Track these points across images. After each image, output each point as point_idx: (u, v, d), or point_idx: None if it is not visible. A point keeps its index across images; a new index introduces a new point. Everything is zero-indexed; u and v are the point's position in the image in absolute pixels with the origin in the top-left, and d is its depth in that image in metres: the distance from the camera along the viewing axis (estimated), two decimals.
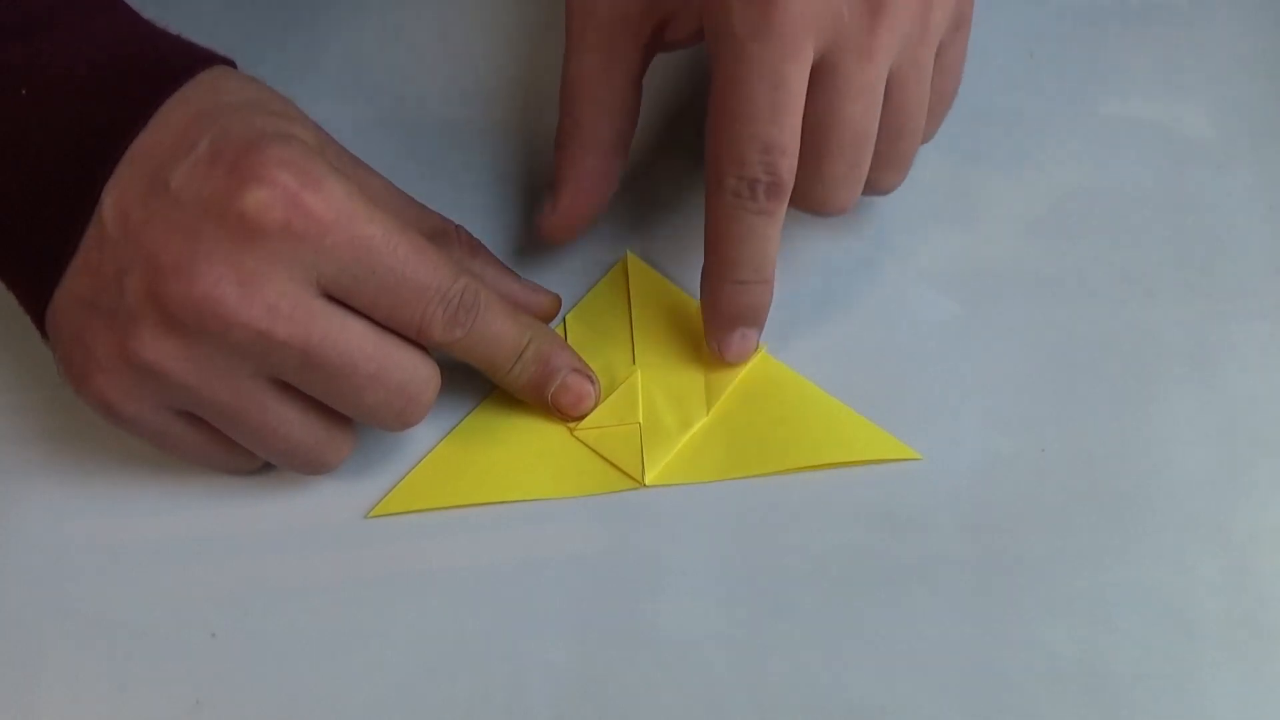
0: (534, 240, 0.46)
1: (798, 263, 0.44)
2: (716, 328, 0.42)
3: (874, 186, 0.41)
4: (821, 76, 0.38)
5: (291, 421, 0.38)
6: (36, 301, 0.38)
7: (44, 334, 0.39)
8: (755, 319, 0.42)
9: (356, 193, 0.37)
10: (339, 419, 0.39)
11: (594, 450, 0.42)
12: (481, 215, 0.46)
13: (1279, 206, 0.46)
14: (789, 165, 0.38)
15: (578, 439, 0.42)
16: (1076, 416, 0.42)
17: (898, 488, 0.42)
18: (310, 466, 0.40)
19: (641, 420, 0.43)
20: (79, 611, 0.40)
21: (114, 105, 0.37)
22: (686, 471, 0.42)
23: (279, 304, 0.36)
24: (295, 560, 0.41)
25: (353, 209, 0.36)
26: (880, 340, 0.44)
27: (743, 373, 0.43)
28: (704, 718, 0.38)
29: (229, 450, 0.40)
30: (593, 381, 0.42)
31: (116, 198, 0.36)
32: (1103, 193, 0.47)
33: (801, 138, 0.39)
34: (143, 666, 0.39)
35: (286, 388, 0.38)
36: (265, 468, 0.41)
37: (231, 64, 0.40)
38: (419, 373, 0.38)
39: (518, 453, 0.42)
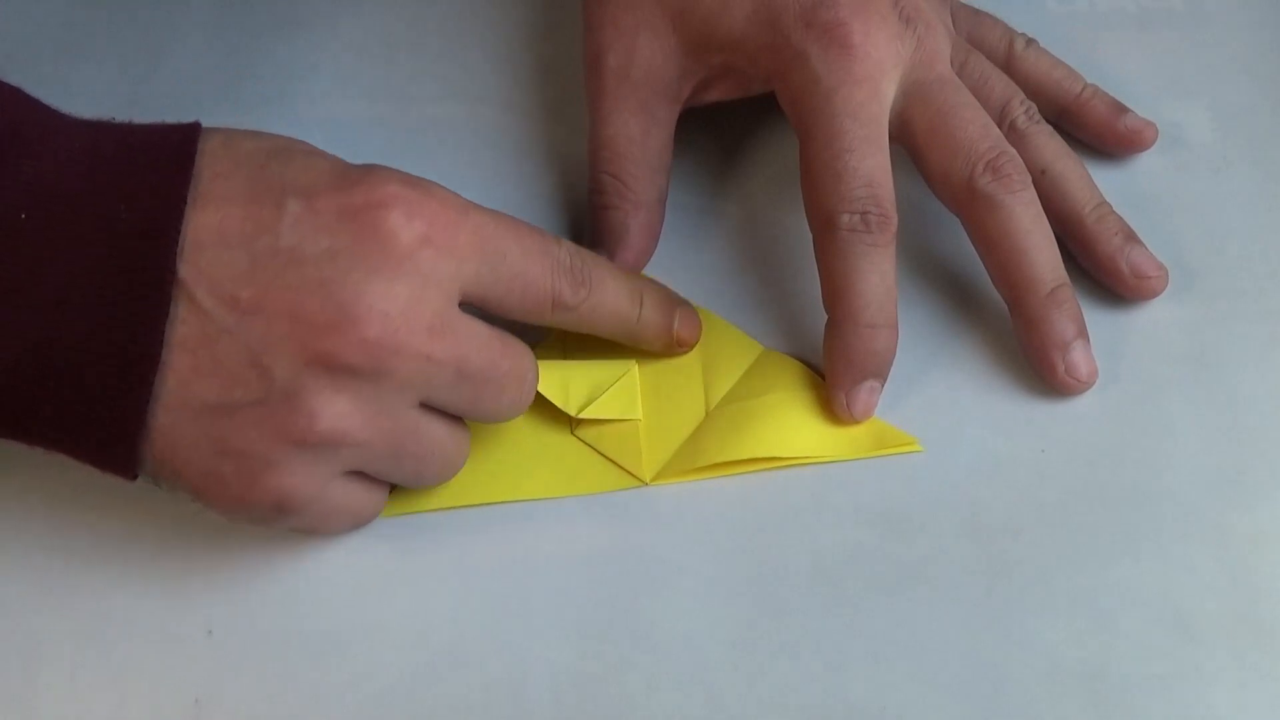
0: None
1: (800, 262, 0.44)
2: (845, 379, 0.41)
3: None
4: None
5: (443, 436, 0.38)
6: (121, 444, 0.34)
7: (132, 476, 0.35)
8: (881, 369, 0.42)
9: (444, 187, 0.37)
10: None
11: (594, 449, 0.42)
12: None
13: (1278, 208, 0.47)
14: (889, 196, 0.41)
15: (578, 438, 0.42)
16: (1076, 416, 0.43)
17: (898, 487, 0.42)
18: (451, 473, 0.39)
19: (641, 417, 0.43)
20: (78, 610, 0.40)
21: (135, 203, 0.34)
22: (687, 466, 0.42)
23: (435, 323, 0.35)
24: (294, 559, 0.41)
25: (460, 202, 0.36)
26: None
27: (744, 368, 0.43)
28: (704, 718, 0.38)
29: (371, 493, 0.39)
30: (692, 307, 0.43)
31: (209, 286, 0.34)
32: (1103, 193, 0.47)
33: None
34: (142, 665, 0.39)
35: (428, 408, 0.37)
36: None
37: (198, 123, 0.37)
38: (530, 358, 0.38)
39: (519, 453, 0.42)
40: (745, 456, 0.42)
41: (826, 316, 0.42)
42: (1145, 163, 0.48)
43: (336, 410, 0.34)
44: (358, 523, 0.39)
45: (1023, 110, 0.45)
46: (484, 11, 0.52)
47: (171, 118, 0.48)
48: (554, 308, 0.38)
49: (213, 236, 0.34)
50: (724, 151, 0.48)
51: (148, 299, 0.33)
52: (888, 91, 0.42)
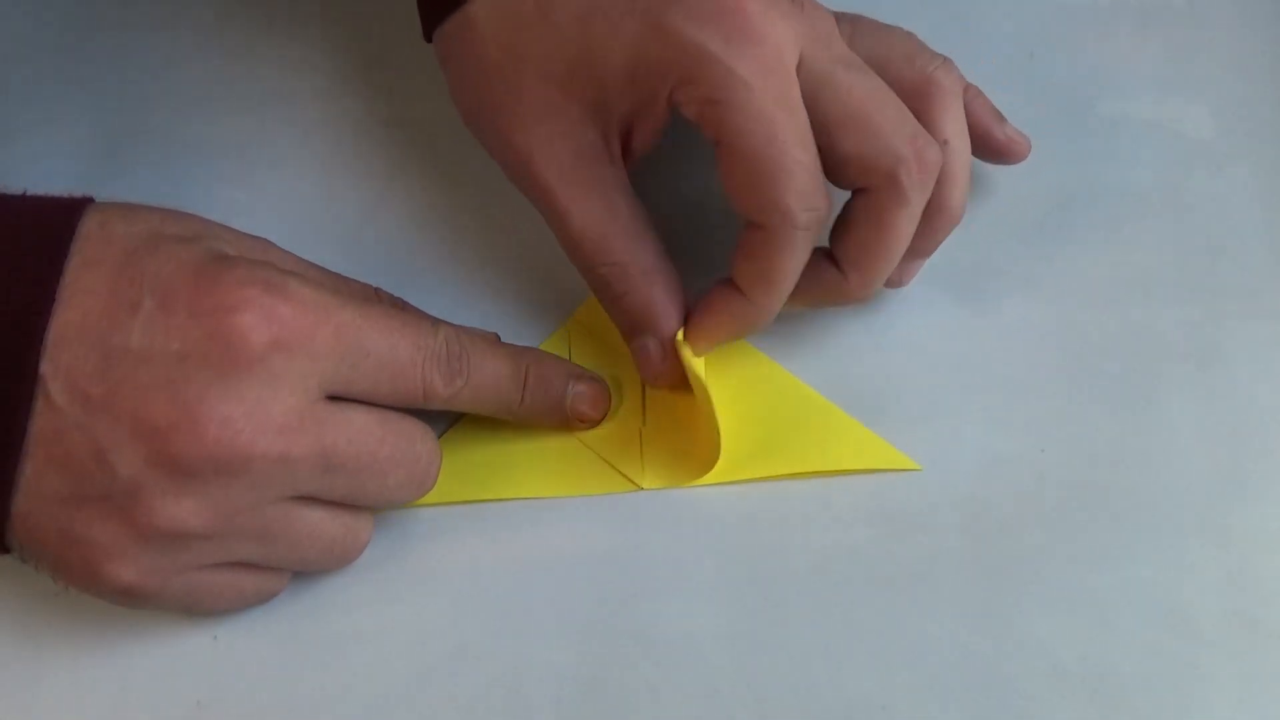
0: (533, 242, 0.46)
1: None
2: (717, 339, 0.41)
3: None
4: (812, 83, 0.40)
5: (320, 521, 0.38)
6: None
7: (4, 550, 0.36)
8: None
9: (312, 284, 0.36)
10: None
11: (595, 452, 0.42)
12: (481, 214, 0.46)
13: (1278, 207, 0.46)
14: (825, 186, 0.39)
15: (579, 439, 0.42)
16: (1076, 416, 0.43)
17: (898, 489, 0.42)
18: (345, 558, 0.40)
19: (643, 424, 0.43)
20: (80, 613, 0.40)
21: (8, 293, 0.34)
22: (684, 476, 0.42)
23: (289, 422, 0.35)
24: None
25: (321, 300, 0.36)
26: (880, 340, 0.44)
27: (745, 377, 0.43)
28: (704, 718, 0.38)
29: (258, 579, 0.39)
30: (597, 379, 0.42)
31: (64, 382, 0.34)
32: (1102, 193, 0.47)
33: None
34: (143, 668, 0.39)
35: (305, 498, 0.37)
36: None
37: (90, 199, 0.37)
38: (425, 438, 0.38)
39: (517, 451, 0.42)
40: (743, 480, 0.42)
41: (737, 283, 0.40)
42: (1145, 162, 0.47)
43: (180, 509, 0.35)
44: (251, 602, 0.39)
45: (938, 62, 0.42)
46: None
47: (172, 117, 0.49)
48: (426, 397, 0.38)
49: (73, 332, 0.34)
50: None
51: (12, 394, 0.34)
52: (794, 72, 0.39)
